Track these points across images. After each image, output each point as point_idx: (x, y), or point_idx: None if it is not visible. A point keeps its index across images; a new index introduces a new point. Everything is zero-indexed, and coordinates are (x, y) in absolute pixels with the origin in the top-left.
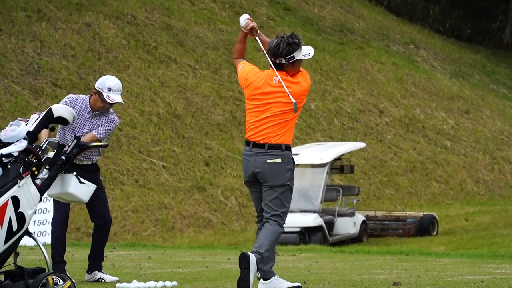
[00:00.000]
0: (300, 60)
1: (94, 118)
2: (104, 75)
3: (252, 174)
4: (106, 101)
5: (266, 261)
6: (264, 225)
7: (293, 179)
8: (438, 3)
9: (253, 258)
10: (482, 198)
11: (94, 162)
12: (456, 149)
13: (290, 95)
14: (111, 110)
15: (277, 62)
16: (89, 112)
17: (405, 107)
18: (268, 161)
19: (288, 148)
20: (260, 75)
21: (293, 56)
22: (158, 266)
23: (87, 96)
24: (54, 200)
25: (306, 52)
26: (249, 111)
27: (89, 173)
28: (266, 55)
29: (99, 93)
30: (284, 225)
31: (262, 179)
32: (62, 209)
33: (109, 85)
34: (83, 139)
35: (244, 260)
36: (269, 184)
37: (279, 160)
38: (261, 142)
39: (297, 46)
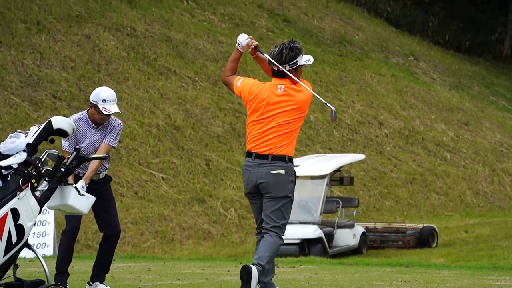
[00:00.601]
0: (302, 66)
1: (100, 131)
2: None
3: (255, 185)
4: (103, 113)
5: (266, 273)
6: (263, 237)
7: (293, 191)
8: (438, 15)
9: (255, 270)
10: (482, 210)
11: (103, 176)
12: (455, 160)
13: (327, 104)
14: (112, 116)
15: (281, 69)
16: (93, 127)
17: (404, 119)
18: (272, 172)
19: (291, 160)
20: (263, 86)
21: (296, 61)
22: (158, 278)
23: (85, 112)
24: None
25: (306, 58)
26: (253, 123)
27: (99, 184)
28: (272, 63)
29: (95, 106)
30: (283, 237)
31: (264, 190)
32: (73, 222)
33: (103, 96)
34: (99, 152)
35: (246, 273)
36: (271, 195)
37: (283, 172)
38: (265, 153)
39: (299, 51)
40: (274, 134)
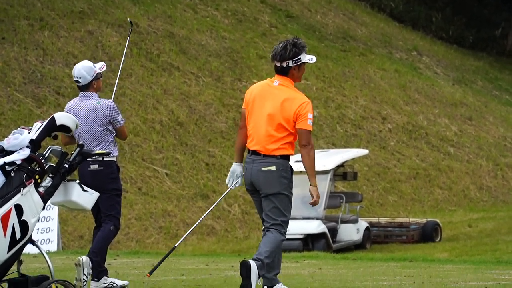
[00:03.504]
0: (304, 64)
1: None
2: (106, 83)
3: (250, 182)
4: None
5: (269, 268)
6: (266, 234)
7: (290, 188)
8: (441, 10)
9: (253, 265)
10: (485, 204)
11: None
12: (459, 155)
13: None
14: (96, 97)
15: (284, 66)
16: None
17: (408, 114)
18: (262, 169)
19: (285, 157)
20: (254, 86)
21: (300, 58)
22: (162, 274)
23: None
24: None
25: (310, 57)
26: (248, 119)
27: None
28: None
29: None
30: (287, 232)
31: (258, 187)
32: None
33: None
34: (119, 133)
35: (244, 268)
36: (264, 193)
37: (273, 168)
38: (257, 150)
39: (303, 48)
40: (266, 131)
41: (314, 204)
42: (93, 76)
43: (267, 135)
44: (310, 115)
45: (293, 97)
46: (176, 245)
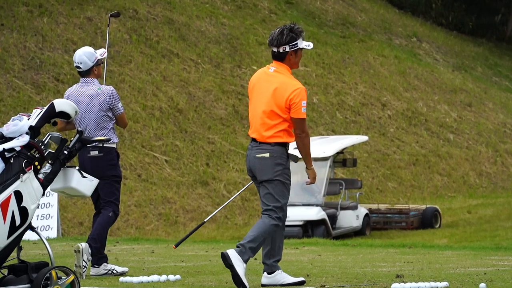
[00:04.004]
0: (301, 50)
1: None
2: (105, 69)
3: (249, 169)
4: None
5: (253, 251)
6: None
7: (286, 174)
8: None
9: (232, 253)
10: (485, 190)
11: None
12: (458, 142)
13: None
14: (96, 83)
15: (281, 51)
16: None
17: (407, 100)
18: (257, 155)
19: (280, 144)
20: (255, 74)
21: (297, 43)
22: (161, 260)
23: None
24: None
25: (307, 43)
26: (249, 108)
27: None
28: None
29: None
30: (287, 219)
31: (254, 174)
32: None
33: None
34: (119, 120)
35: (224, 259)
36: (259, 179)
37: (267, 155)
38: (255, 137)
39: (300, 33)
40: (262, 118)
41: (310, 183)
42: (94, 62)
43: (261, 122)
44: (303, 103)
45: (286, 84)
46: (205, 221)
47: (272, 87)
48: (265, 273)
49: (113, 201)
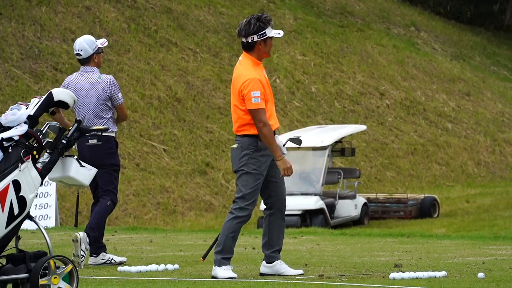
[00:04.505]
0: (271, 38)
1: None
2: (104, 59)
3: None
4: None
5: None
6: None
7: (252, 164)
8: None
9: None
10: (483, 180)
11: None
12: (457, 131)
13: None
14: (96, 72)
15: (249, 41)
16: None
17: (406, 90)
18: (232, 147)
19: (249, 135)
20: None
21: (265, 32)
22: (160, 250)
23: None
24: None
25: (276, 31)
26: None
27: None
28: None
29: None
30: (245, 208)
31: None
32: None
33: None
34: (119, 111)
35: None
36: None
37: (235, 146)
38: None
39: (268, 22)
40: (233, 112)
41: (285, 175)
42: (95, 50)
43: (232, 116)
44: (254, 93)
45: (239, 76)
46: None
47: (232, 80)
48: (264, 262)
49: (111, 190)
